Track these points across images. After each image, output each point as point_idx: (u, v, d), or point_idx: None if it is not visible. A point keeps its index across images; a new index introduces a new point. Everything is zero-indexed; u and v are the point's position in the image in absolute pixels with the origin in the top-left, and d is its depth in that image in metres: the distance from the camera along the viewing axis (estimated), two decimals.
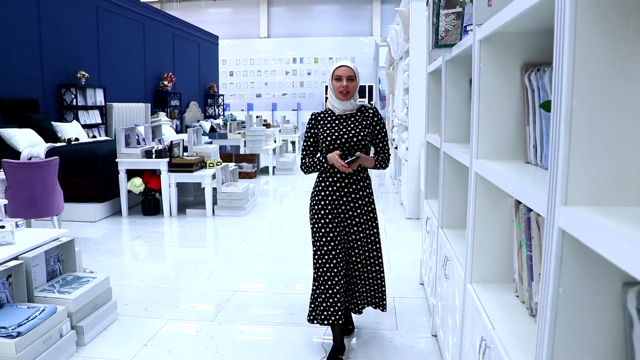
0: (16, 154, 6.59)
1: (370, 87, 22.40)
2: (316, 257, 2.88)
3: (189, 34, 15.01)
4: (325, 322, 2.82)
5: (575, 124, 1.00)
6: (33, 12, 8.31)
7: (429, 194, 3.67)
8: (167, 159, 6.48)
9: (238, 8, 24.02)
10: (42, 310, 2.76)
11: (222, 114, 17.62)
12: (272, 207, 7.39)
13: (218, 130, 11.82)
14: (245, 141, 10.29)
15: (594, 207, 1.00)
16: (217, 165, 6.82)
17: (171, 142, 6.66)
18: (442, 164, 2.86)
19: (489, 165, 1.73)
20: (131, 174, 6.64)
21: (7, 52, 7.75)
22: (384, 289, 3.04)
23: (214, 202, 6.77)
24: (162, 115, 12.37)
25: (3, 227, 3.07)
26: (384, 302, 3.05)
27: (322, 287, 2.84)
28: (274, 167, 10.57)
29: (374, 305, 3.04)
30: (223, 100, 18.10)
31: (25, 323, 2.62)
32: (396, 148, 8.28)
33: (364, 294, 3.02)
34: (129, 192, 6.66)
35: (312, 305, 2.90)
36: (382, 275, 3.03)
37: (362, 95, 22.55)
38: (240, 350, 3.02)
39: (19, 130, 6.99)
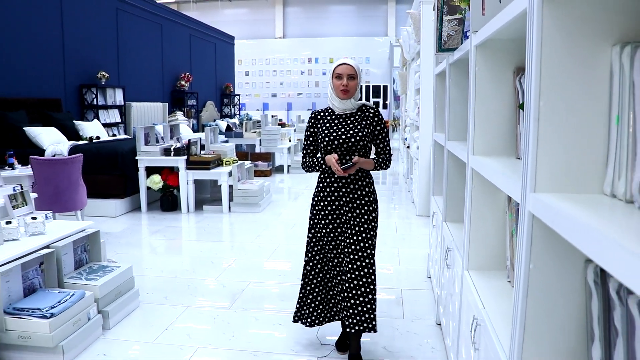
0: (41, 151, 6.86)
1: (385, 87, 22.52)
2: (306, 258, 2.92)
3: (205, 34, 15.28)
4: (307, 324, 2.93)
5: (542, 121, 1.17)
6: (56, 15, 8.60)
7: (436, 190, 3.83)
8: (185, 157, 6.70)
9: (254, 8, 24.29)
10: (72, 295, 2.97)
11: (237, 113, 17.87)
12: (287, 204, 7.58)
13: (234, 129, 12.07)
14: (260, 140, 10.50)
15: (557, 194, 1.17)
16: (233, 163, 7.03)
17: (189, 140, 6.88)
18: (445, 161, 3.02)
19: (482, 160, 1.89)
20: (150, 171, 6.87)
21: (32, 54, 8.04)
22: (369, 305, 2.76)
23: (230, 199, 6.97)
24: (179, 115, 12.64)
25: (35, 218, 3.29)
26: (372, 323, 2.76)
27: (308, 290, 2.92)
28: (288, 166, 10.77)
29: (360, 325, 2.74)
30: (239, 100, 18.36)
31: (57, 306, 2.83)
32: (408, 147, 8.43)
33: (351, 307, 2.77)
34: (148, 188, 6.89)
35: (298, 306, 2.99)
36: (369, 287, 2.77)
37: (376, 95, 22.70)
38: (255, 335, 3.21)
39: (43, 128, 7.27)
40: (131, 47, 11.00)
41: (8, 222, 3.18)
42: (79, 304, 2.97)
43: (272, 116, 11.78)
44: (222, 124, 13.66)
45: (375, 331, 2.77)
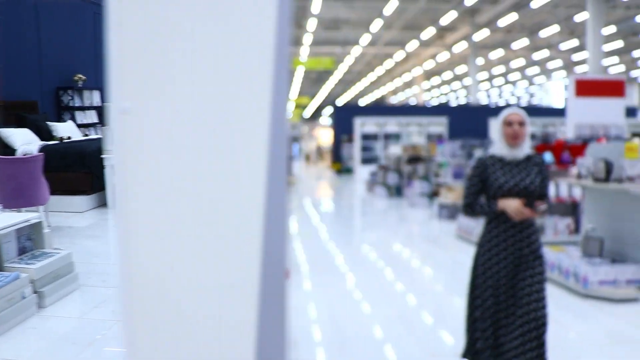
0: (12, 151, 7.25)
1: None
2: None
3: None
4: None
5: None
6: (31, 19, 8.99)
7: None
8: None
9: None
10: (7, 277, 3.38)
11: None
12: None
13: None
14: None
15: None
16: None
17: None
18: None
19: None
20: None
21: (8, 58, 8.42)
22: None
23: None
24: None
25: None
26: None
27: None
28: None
29: None
30: None
31: None
32: None
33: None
34: None
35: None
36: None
37: None
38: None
39: (15, 130, 7.66)
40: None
41: None
42: (13, 284, 3.37)
43: None
44: None
45: None
